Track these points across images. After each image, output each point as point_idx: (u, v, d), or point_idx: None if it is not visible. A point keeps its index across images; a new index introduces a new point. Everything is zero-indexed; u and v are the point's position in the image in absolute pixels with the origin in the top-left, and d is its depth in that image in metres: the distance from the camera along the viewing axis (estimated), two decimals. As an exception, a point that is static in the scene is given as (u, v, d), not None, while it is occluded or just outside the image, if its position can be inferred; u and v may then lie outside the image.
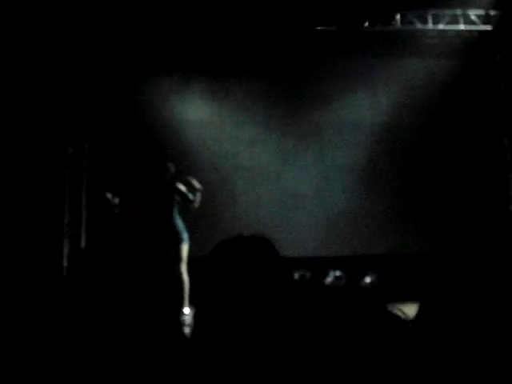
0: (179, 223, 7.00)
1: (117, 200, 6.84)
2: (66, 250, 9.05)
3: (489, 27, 9.32)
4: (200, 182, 9.01)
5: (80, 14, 8.94)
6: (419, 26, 9.27)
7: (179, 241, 6.93)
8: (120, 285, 1.62)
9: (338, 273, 8.69)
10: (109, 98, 9.24)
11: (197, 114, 9.27)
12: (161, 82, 9.29)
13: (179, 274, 6.76)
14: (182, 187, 7.05)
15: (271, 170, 9.14)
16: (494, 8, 9.23)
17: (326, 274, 8.67)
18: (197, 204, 7.14)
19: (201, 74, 9.29)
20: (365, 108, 9.35)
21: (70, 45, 9.19)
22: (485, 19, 9.33)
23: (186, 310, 6.55)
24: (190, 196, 7.06)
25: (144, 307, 1.60)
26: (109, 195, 6.85)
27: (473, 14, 9.30)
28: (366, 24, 9.19)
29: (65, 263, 9.00)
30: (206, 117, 9.28)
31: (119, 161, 9.07)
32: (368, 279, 8.75)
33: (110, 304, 1.56)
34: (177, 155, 9.05)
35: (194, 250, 8.76)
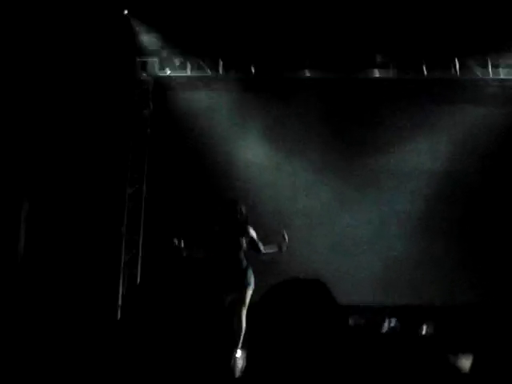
0: (248, 267, 6.80)
1: (183, 243, 6.79)
2: (121, 290, 9.14)
3: (550, 76, 9.25)
4: (257, 224, 9.09)
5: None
6: (479, 73, 9.25)
7: (245, 285, 6.69)
8: (172, 325, 1.62)
9: (393, 322, 8.52)
10: (167, 140, 9.46)
11: (255, 158, 9.39)
12: (219, 125, 9.47)
13: (239, 319, 6.63)
14: (253, 232, 6.87)
15: (328, 215, 9.15)
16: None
17: (381, 323, 8.51)
18: (266, 257, 6.98)
19: (257, 121, 9.45)
20: (423, 155, 9.30)
21: (129, 86, 9.51)
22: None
23: (239, 354, 6.45)
24: (261, 246, 6.86)
25: (195, 349, 1.59)
26: (176, 240, 6.81)
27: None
28: (425, 71, 9.21)
29: (120, 302, 9.08)
30: (264, 161, 9.39)
31: (176, 201, 9.21)
32: (424, 329, 8.54)
33: (161, 344, 1.56)
34: (235, 198, 9.15)
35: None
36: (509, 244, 8.93)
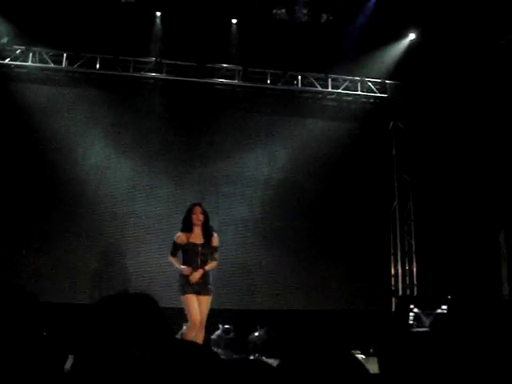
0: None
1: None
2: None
3: (384, 95, 9.81)
4: (94, 225, 8.90)
5: None
6: (319, 88, 9.64)
7: (211, 292, 6.78)
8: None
9: (226, 326, 8.63)
10: (3, 131, 8.93)
11: (95, 157, 9.14)
12: (59, 121, 9.14)
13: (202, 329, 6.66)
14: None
15: (165, 217, 9.05)
16: (390, 78, 9.74)
17: (216, 328, 8.58)
18: None
19: (100, 119, 9.23)
20: (262, 163, 9.51)
21: None
22: (381, 87, 9.81)
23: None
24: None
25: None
26: None
27: (370, 81, 9.77)
28: (268, 81, 9.46)
29: None
30: (104, 160, 9.16)
31: (9, 195, 8.75)
32: (256, 333, 8.73)
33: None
34: (72, 197, 8.87)
35: (83, 295, 8.58)
36: (338, 252, 9.36)
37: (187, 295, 6.52)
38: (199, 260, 6.67)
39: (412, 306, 6.61)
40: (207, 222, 6.87)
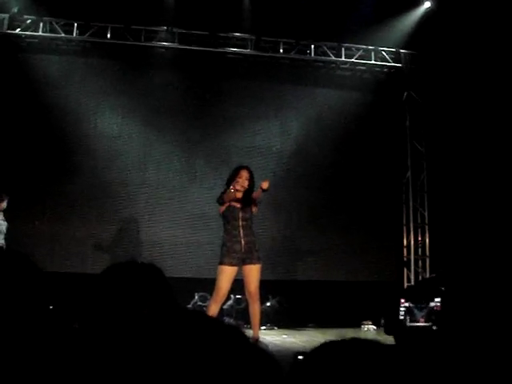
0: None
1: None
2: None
3: (399, 65, 9.68)
4: (105, 195, 8.92)
5: None
6: (333, 57, 9.52)
7: (259, 259, 6.11)
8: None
9: (238, 296, 8.66)
10: (15, 102, 8.91)
11: (107, 128, 9.11)
12: (70, 91, 9.10)
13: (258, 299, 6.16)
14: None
15: (178, 188, 9.07)
16: (404, 47, 9.60)
17: (228, 297, 8.62)
18: None
19: (111, 89, 9.17)
20: (275, 134, 9.46)
21: None
22: (395, 57, 9.68)
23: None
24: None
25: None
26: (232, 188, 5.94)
27: (384, 50, 9.64)
28: (281, 51, 9.36)
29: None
30: (116, 131, 9.13)
31: (24, 166, 8.76)
32: (268, 303, 8.77)
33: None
34: (85, 167, 8.88)
35: (94, 265, 8.62)
36: (351, 223, 9.33)
37: (222, 266, 5.94)
38: (240, 225, 6.02)
39: (403, 300, 6.29)
40: (251, 190, 6.07)
